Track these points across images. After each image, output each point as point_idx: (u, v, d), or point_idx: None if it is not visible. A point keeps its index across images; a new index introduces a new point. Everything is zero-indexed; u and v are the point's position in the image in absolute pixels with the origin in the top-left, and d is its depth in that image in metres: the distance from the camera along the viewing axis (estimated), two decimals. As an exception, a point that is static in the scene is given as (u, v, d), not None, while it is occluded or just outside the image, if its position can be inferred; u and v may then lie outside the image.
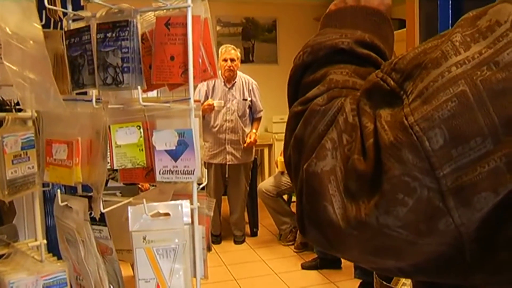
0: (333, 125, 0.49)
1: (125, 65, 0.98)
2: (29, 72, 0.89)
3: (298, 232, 3.93)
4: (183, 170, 1.04)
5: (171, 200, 1.05)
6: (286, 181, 3.96)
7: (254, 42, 5.86)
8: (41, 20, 0.95)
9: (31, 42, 0.89)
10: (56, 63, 1.12)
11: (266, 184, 4.10)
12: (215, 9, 5.13)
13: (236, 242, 4.18)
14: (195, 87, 1.07)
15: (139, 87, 1.00)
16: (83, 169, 1.00)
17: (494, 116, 0.39)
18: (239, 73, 4.09)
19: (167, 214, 1.01)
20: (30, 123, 1.06)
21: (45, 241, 1.09)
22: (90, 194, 1.04)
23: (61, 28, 1.13)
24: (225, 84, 4.02)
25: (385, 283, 1.94)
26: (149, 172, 1.09)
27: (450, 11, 2.10)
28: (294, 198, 3.86)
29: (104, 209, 1.01)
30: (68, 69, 1.06)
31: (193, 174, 1.04)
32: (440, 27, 2.16)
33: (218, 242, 4.15)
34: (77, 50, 1.03)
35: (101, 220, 1.05)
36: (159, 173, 1.06)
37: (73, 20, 1.08)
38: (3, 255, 1.06)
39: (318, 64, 0.58)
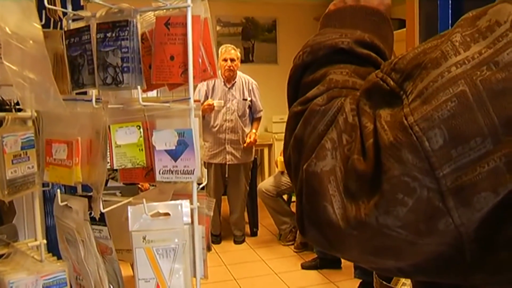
0: (333, 125, 0.49)
1: (125, 65, 0.98)
2: (29, 72, 0.88)
3: (298, 232, 3.93)
4: (183, 170, 1.04)
5: (171, 200, 1.05)
6: (286, 180, 3.96)
7: (254, 42, 5.86)
8: (41, 20, 0.95)
9: (31, 42, 0.89)
10: (56, 63, 1.12)
11: (266, 183, 4.10)
12: (215, 9, 5.13)
13: (236, 242, 4.18)
14: (195, 87, 1.07)
15: (139, 87, 1.00)
16: (83, 168, 1.00)
17: (494, 117, 0.39)
18: (239, 73, 4.09)
19: (167, 214, 1.01)
20: (30, 123, 1.06)
21: (45, 241, 1.09)
22: (90, 194, 1.04)
23: (61, 28, 1.13)
24: (225, 84, 4.02)
25: (385, 283, 1.94)
26: (149, 171, 1.09)
27: (450, 11, 2.10)
28: (294, 198, 3.86)
29: (104, 208, 1.01)
30: (68, 69, 1.06)
31: (193, 173, 1.04)
32: (440, 27, 2.16)
33: (218, 242, 4.15)
34: (77, 50, 1.03)
35: (101, 220, 1.05)
36: (159, 173, 1.06)
37: (73, 20, 1.08)
38: (3, 255, 1.06)
39: (317, 64, 0.58)
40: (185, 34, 1.03)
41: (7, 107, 1.07)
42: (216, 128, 3.99)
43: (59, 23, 1.15)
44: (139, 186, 1.89)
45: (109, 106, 1.00)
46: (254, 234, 4.37)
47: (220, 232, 4.23)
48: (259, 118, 4.23)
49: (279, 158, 4.18)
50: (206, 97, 3.98)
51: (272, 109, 5.13)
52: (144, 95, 1.05)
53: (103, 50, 0.99)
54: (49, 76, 0.91)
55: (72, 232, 1.05)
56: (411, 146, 0.41)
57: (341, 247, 0.49)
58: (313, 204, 0.48)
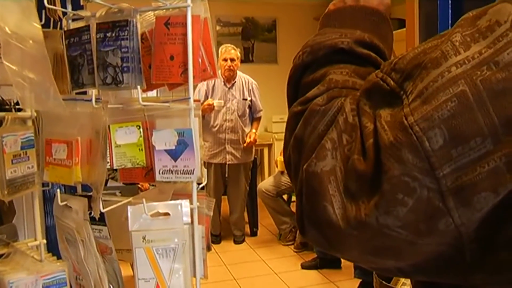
0: (333, 125, 0.49)
1: (124, 65, 0.98)
2: (28, 72, 0.88)
3: (298, 231, 3.93)
4: (183, 170, 1.04)
5: (170, 200, 1.05)
6: (286, 180, 3.96)
7: (254, 42, 5.86)
8: (40, 19, 0.95)
9: (31, 41, 0.89)
10: (55, 63, 1.12)
11: (266, 183, 4.10)
12: (215, 9, 5.13)
13: (236, 242, 4.18)
14: (194, 87, 1.08)
15: (138, 87, 1.00)
16: (82, 168, 1.00)
17: (494, 116, 0.39)
18: (239, 73, 4.09)
19: (167, 214, 1.01)
20: (29, 123, 1.06)
21: (44, 241, 1.09)
22: (89, 194, 1.04)
23: (61, 27, 1.13)
24: (225, 84, 4.02)
25: (385, 283, 1.94)
26: (148, 171, 1.09)
27: (450, 11, 2.10)
28: (294, 198, 3.86)
29: (103, 208, 1.01)
30: (68, 69, 1.06)
31: (193, 173, 1.04)
32: (440, 27, 2.16)
33: (218, 242, 4.15)
34: (76, 50, 1.03)
35: (101, 220, 1.05)
36: (159, 173, 1.06)
37: (73, 20, 1.08)
38: (2, 254, 1.06)
39: (317, 64, 0.58)
40: (185, 34, 1.03)
41: (7, 107, 1.07)
42: (216, 128, 3.99)
43: (59, 23, 1.15)
44: (139, 185, 1.89)
45: (109, 106, 1.00)
46: (254, 234, 4.37)
47: (220, 232, 4.23)
48: (259, 118, 4.23)
49: (279, 158, 4.18)
50: (206, 97, 3.98)
51: (272, 109, 5.13)
52: (144, 95, 1.05)
53: (103, 50, 0.99)
54: (49, 76, 0.91)
55: (72, 231, 1.05)
56: (411, 146, 0.41)
57: (341, 247, 0.49)
58: (313, 204, 0.48)
